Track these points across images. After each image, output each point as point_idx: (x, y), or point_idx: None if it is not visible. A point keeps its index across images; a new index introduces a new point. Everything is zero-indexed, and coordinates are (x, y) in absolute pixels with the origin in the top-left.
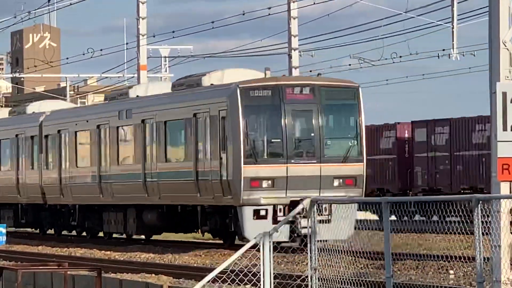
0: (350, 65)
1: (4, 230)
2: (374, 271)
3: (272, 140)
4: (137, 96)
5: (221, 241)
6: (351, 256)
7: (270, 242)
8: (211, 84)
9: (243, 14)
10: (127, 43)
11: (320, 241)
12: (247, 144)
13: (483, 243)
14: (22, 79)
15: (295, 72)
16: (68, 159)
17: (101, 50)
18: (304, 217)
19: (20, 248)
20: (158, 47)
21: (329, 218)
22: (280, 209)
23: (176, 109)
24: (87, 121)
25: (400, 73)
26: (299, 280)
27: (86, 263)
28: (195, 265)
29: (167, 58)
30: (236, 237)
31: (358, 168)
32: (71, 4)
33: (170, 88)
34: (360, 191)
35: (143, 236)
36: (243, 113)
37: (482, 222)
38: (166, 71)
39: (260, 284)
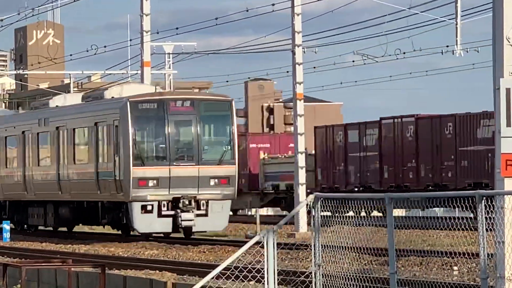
0: (353, 61)
1: (8, 227)
2: (378, 267)
3: (157, 146)
4: (56, 106)
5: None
6: (355, 253)
7: (274, 238)
8: (112, 97)
9: (247, 11)
10: (130, 40)
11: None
12: (135, 149)
13: (487, 239)
14: (25, 75)
15: (299, 69)
16: (0, 161)
17: (104, 46)
18: (184, 211)
19: (24, 245)
20: (162, 44)
21: (206, 212)
22: (164, 205)
23: (82, 118)
24: (15, 127)
25: (404, 70)
26: (303, 276)
27: (90, 260)
28: (199, 261)
29: (170, 55)
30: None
31: (231, 170)
32: (74, 0)
33: (81, 100)
34: (233, 189)
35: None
36: (132, 123)
37: (486, 218)
38: (169, 67)
39: (264, 281)
